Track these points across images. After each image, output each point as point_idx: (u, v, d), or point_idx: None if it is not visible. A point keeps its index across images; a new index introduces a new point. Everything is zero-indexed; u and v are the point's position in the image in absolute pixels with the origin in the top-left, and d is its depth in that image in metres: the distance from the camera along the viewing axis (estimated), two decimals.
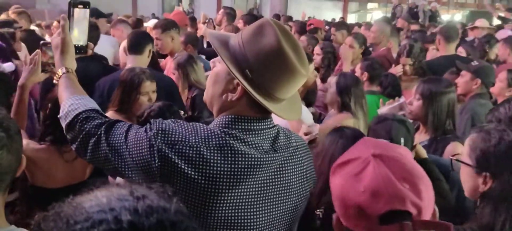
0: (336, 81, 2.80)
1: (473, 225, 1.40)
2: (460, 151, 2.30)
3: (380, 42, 4.72)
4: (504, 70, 3.26)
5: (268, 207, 1.23)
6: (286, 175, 1.26)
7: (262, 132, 1.23)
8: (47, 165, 2.13)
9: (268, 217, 1.23)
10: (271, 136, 1.25)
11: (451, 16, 12.78)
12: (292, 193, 1.27)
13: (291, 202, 1.28)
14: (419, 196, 0.94)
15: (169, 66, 3.65)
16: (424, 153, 1.99)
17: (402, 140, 1.84)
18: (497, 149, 1.37)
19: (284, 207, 1.26)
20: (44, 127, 2.18)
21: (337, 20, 9.43)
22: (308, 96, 3.72)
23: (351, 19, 11.78)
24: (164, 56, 3.97)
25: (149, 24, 5.18)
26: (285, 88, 1.21)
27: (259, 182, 1.20)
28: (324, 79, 3.97)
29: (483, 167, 1.40)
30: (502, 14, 8.18)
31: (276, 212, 1.24)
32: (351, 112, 2.69)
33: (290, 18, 7.03)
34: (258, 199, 1.21)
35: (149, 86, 2.50)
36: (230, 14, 5.23)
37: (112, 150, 1.20)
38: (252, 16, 5.37)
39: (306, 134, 2.37)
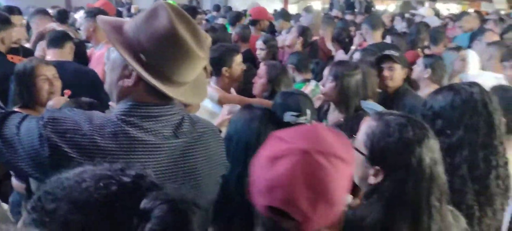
0: (266, 71, 2.83)
1: (352, 214, 1.33)
2: None
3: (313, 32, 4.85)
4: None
5: None
6: (190, 160, 1.25)
7: (163, 118, 1.21)
8: None
9: None
10: (174, 122, 1.24)
11: (386, 6, 13.29)
12: (199, 179, 1.27)
13: (199, 188, 1.27)
14: (313, 208, 0.92)
15: (94, 57, 3.55)
16: None
17: (308, 112, 1.97)
18: (395, 146, 1.28)
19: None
20: None
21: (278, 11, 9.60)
22: None
23: (293, 10, 11.92)
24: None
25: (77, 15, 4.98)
26: (183, 71, 1.19)
27: (160, 168, 1.19)
28: None
29: (377, 161, 1.31)
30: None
31: None
32: None
33: (229, 9, 6.99)
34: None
35: (46, 70, 2.41)
36: (58, 12, 5.09)
37: (4, 141, 1.15)
38: (188, 8, 5.28)
39: (229, 113, 2.45)
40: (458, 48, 4.03)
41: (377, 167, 1.31)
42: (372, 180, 1.32)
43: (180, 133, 1.24)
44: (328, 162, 0.94)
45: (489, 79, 3.14)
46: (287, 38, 4.32)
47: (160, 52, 1.15)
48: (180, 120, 1.25)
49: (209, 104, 2.88)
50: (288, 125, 1.87)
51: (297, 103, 1.98)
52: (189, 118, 1.29)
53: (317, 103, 2.68)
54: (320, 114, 2.79)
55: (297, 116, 1.94)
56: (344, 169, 0.98)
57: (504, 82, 3.45)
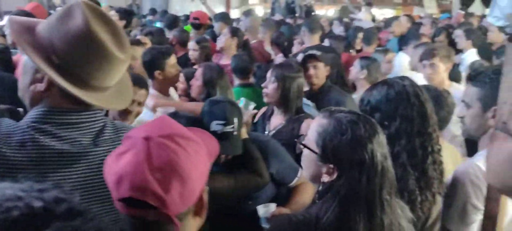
0: (202, 73, 2.77)
1: (308, 214, 1.34)
2: None
3: (250, 35, 4.86)
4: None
5: (92, 206, 1.13)
6: None
7: (83, 125, 1.13)
8: None
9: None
10: (95, 129, 1.16)
11: (325, 11, 13.64)
12: None
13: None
14: (166, 188, 0.89)
15: (21, 63, 3.32)
16: (244, 133, 2.07)
17: (236, 120, 1.92)
18: (348, 143, 1.29)
19: (112, 205, 1.18)
20: None
21: None
22: None
23: (235, 14, 11.92)
24: None
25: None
26: (101, 75, 1.11)
27: (78, 180, 1.10)
28: None
29: (330, 159, 1.31)
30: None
31: (103, 210, 1.15)
32: None
33: (165, 12, 6.85)
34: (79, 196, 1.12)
35: None
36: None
37: None
38: (125, 11, 5.10)
39: None
40: (385, 51, 4.20)
41: (331, 165, 1.31)
42: (326, 178, 1.32)
43: (101, 141, 1.16)
44: (172, 141, 0.93)
45: (419, 80, 3.29)
46: (220, 40, 4.28)
47: (74, 54, 1.07)
48: (102, 127, 1.18)
49: (145, 112, 2.80)
50: (215, 134, 1.81)
51: (224, 112, 1.92)
52: (112, 125, 1.22)
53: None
54: (264, 119, 2.77)
55: (224, 125, 1.89)
56: (195, 149, 0.97)
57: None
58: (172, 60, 2.99)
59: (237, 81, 3.47)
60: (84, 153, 1.12)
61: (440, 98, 2.26)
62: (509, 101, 1.52)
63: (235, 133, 1.93)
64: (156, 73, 2.88)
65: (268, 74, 2.64)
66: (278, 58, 4.77)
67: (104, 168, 0.97)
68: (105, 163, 0.97)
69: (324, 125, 1.34)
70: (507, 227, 1.63)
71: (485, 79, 1.84)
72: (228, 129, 1.90)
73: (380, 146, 1.31)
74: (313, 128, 1.38)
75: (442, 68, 3.24)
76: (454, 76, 3.58)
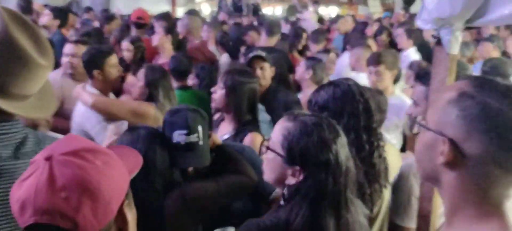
0: (144, 74, 2.70)
1: (276, 218, 1.34)
2: (258, 142, 2.40)
3: (192, 35, 4.76)
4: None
5: (14, 223, 1.06)
6: None
7: (2, 137, 1.07)
8: None
9: None
10: (15, 141, 1.10)
11: (272, 9, 13.74)
12: None
13: None
14: (75, 206, 0.84)
15: None
16: (218, 140, 1.96)
17: (200, 128, 1.79)
18: (315, 145, 1.31)
19: None
20: None
21: None
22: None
23: (180, 12, 11.72)
24: None
25: None
26: (22, 82, 1.06)
27: None
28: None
29: (296, 161, 1.33)
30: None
31: None
32: (158, 105, 2.63)
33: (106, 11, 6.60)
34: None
35: None
36: (21, 5, 4.66)
37: None
38: (60, 10, 4.85)
39: (115, 133, 2.21)
40: (328, 51, 4.26)
41: (297, 167, 1.33)
42: (291, 181, 1.34)
43: (22, 153, 1.10)
44: (77, 157, 0.87)
45: (360, 80, 3.34)
46: (154, 39, 4.18)
47: None
48: (23, 139, 1.11)
49: (82, 109, 2.70)
50: (178, 146, 1.74)
51: (185, 120, 1.78)
52: (34, 136, 1.16)
53: None
54: (213, 125, 2.63)
55: (187, 134, 1.77)
56: (101, 158, 0.91)
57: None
58: (113, 60, 2.87)
59: (175, 84, 3.32)
60: (3, 166, 1.06)
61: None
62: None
63: (200, 142, 1.78)
64: (95, 72, 2.77)
65: (219, 78, 2.53)
66: (223, 58, 4.72)
67: (10, 194, 0.90)
68: (11, 191, 0.89)
69: (289, 127, 1.37)
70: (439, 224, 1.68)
71: (427, 77, 1.91)
72: (193, 138, 1.77)
73: (343, 147, 1.36)
74: (277, 131, 1.40)
75: (388, 75, 3.27)
76: None
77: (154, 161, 1.66)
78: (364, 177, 1.70)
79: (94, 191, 0.86)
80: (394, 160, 2.08)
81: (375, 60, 3.30)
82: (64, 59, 3.09)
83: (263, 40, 4.62)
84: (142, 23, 5.32)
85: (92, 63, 2.78)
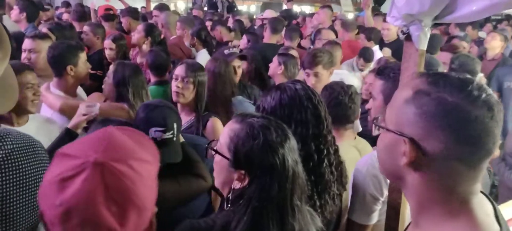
0: (113, 71, 2.62)
1: (212, 221, 1.29)
2: (220, 128, 2.47)
3: (169, 31, 4.75)
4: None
5: None
6: None
7: None
8: None
9: None
10: None
11: (247, 7, 13.76)
12: (8, 207, 1.08)
13: (10, 219, 1.08)
14: (122, 221, 0.82)
15: None
16: (180, 137, 1.98)
17: (175, 126, 1.82)
18: (259, 148, 1.26)
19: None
20: None
21: (140, 9, 9.19)
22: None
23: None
24: None
25: None
26: None
27: None
28: None
29: (242, 164, 1.29)
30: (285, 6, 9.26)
31: None
32: (129, 104, 2.56)
33: (81, 6, 6.47)
34: None
35: None
36: None
37: None
38: (28, 3, 4.70)
39: (84, 114, 2.23)
40: (289, 49, 4.31)
41: (242, 171, 1.28)
42: (237, 185, 1.29)
43: None
44: (129, 167, 0.84)
45: (334, 76, 3.40)
46: (134, 37, 4.14)
47: None
48: None
49: (48, 113, 2.59)
50: (154, 141, 1.72)
51: (163, 118, 1.81)
52: None
53: None
54: None
55: (163, 132, 1.78)
56: (149, 170, 0.90)
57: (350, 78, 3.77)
58: (84, 56, 2.80)
59: (153, 78, 3.33)
60: None
61: (346, 93, 2.33)
62: None
63: (175, 139, 1.82)
64: (68, 68, 2.66)
65: (182, 73, 2.60)
66: (201, 54, 4.69)
67: (41, 194, 0.86)
68: (42, 193, 0.85)
69: (236, 130, 1.31)
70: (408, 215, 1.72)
71: (389, 73, 1.94)
72: (168, 135, 1.80)
73: (291, 151, 1.30)
74: (225, 133, 1.35)
75: (326, 75, 3.20)
76: None
77: None
78: (314, 188, 1.62)
79: (140, 206, 0.85)
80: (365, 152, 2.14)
81: (312, 62, 3.18)
82: (22, 55, 2.97)
83: (267, 37, 4.74)
84: (111, 15, 5.27)
85: (65, 59, 2.66)
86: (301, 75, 3.44)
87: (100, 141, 0.88)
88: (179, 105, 2.63)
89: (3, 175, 1.07)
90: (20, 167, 1.11)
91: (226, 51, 3.38)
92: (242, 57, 3.46)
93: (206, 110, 2.66)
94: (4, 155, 1.08)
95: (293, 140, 1.34)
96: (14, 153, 1.11)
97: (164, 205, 1.75)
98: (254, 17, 8.64)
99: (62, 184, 0.81)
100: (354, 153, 2.19)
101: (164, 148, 1.76)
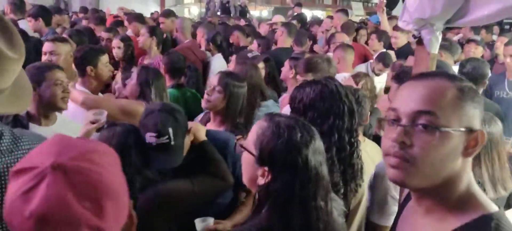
0: (138, 73, 2.73)
1: (257, 224, 1.30)
2: None
3: (183, 35, 4.83)
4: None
5: None
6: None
7: None
8: None
9: None
10: None
11: (259, 12, 13.82)
12: None
13: None
14: (100, 215, 0.81)
15: None
16: (202, 136, 1.97)
17: (171, 130, 1.79)
18: (283, 147, 1.28)
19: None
20: None
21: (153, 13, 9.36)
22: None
23: None
24: None
25: None
26: None
27: None
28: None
29: (265, 161, 1.30)
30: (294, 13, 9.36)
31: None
32: (148, 103, 2.63)
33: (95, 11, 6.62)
34: None
35: None
36: (15, 4, 4.65)
37: None
38: (40, 7, 4.82)
39: (93, 122, 2.27)
40: (304, 53, 4.34)
41: (266, 168, 1.30)
42: (261, 181, 1.31)
43: None
44: (89, 161, 0.83)
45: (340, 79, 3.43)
46: (140, 40, 4.23)
47: None
48: None
49: (71, 107, 2.69)
50: (150, 146, 1.77)
51: (155, 124, 1.79)
52: (10, 134, 1.13)
53: None
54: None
55: (157, 137, 1.77)
56: (109, 160, 0.88)
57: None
58: (105, 59, 2.95)
59: (169, 81, 3.34)
60: None
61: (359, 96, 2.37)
62: None
63: (172, 142, 1.79)
64: (88, 69, 2.82)
65: (215, 81, 2.48)
66: (216, 58, 4.76)
67: (6, 212, 0.83)
68: (8, 210, 0.82)
69: (263, 127, 1.34)
70: None
71: (405, 77, 1.99)
72: (163, 140, 1.78)
73: (315, 152, 1.31)
74: (253, 130, 1.37)
75: None
76: None
77: (129, 157, 1.68)
78: (341, 176, 1.71)
79: (113, 194, 0.83)
80: (375, 156, 2.14)
81: (306, 68, 3.01)
82: (43, 58, 3.07)
83: (282, 39, 4.84)
84: (120, 21, 5.40)
85: (86, 60, 2.83)
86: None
87: (50, 146, 0.86)
88: (211, 114, 2.55)
89: None
90: None
91: (249, 55, 3.42)
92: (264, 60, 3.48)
93: (240, 125, 2.48)
94: (20, 155, 1.11)
95: (319, 141, 1.35)
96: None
97: (179, 206, 1.80)
98: (255, 22, 8.73)
99: (25, 197, 0.78)
100: (363, 155, 2.24)
101: (161, 152, 1.78)
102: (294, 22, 6.96)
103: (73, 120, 2.55)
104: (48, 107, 2.26)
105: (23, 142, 1.13)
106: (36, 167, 0.80)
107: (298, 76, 3.07)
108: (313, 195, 1.27)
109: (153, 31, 4.22)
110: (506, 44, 4.00)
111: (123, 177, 0.91)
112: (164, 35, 4.48)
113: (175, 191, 1.80)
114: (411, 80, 1.00)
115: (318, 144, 1.34)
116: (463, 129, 0.91)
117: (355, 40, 5.81)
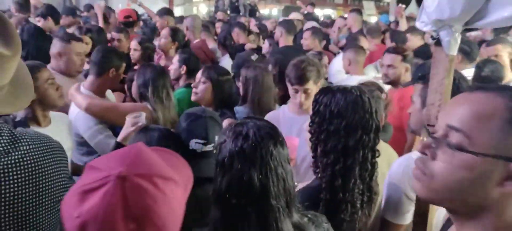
0: (137, 73, 2.74)
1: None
2: None
3: (193, 35, 4.80)
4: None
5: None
6: (9, 187, 1.05)
7: None
8: None
9: None
10: None
11: (269, 10, 13.79)
12: (24, 209, 1.07)
13: (26, 221, 1.07)
14: None
15: None
16: None
17: (217, 138, 1.71)
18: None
19: (13, 227, 1.05)
20: None
21: None
22: None
23: (178, 12, 11.75)
24: None
25: None
26: None
27: None
28: None
29: None
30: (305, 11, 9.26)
31: None
32: (150, 104, 2.64)
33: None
34: None
35: None
36: (19, 3, 4.67)
37: None
38: (47, 5, 4.83)
39: (132, 126, 2.21)
40: (320, 54, 4.29)
41: None
42: None
43: None
44: (152, 184, 0.80)
45: (354, 82, 3.38)
46: (160, 42, 4.20)
47: None
48: None
49: (75, 111, 2.68)
50: (193, 152, 1.70)
51: (205, 130, 1.73)
52: (9, 134, 1.10)
53: None
54: None
55: (204, 144, 1.71)
56: (174, 191, 0.85)
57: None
58: (124, 66, 2.98)
59: (183, 81, 3.40)
60: None
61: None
62: (436, 104, 1.61)
63: (215, 151, 1.73)
64: (111, 70, 2.82)
65: (199, 75, 2.75)
66: (224, 59, 4.73)
67: (63, 203, 0.83)
68: (65, 202, 0.83)
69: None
70: (437, 223, 1.71)
71: (428, 77, 1.93)
72: (209, 148, 1.73)
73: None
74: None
75: (315, 89, 2.81)
76: None
77: None
78: (360, 197, 1.63)
79: (160, 227, 0.81)
80: (392, 156, 2.13)
81: (302, 79, 2.65)
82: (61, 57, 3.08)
83: (283, 38, 4.75)
84: (131, 22, 5.39)
85: (111, 60, 2.83)
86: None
87: (126, 155, 0.85)
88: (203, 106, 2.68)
89: (19, 175, 1.07)
90: (36, 167, 1.11)
91: (253, 57, 3.40)
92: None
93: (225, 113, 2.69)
94: (19, 156, 1.09)
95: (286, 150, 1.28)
96: (30, 154, 1.11)
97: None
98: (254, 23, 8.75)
99: (83, 196, 0.79)
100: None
101: (204, 160, 1.72)
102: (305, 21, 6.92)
103: (75, 122, 2.61)
104: (44, 107, 2.23)
105: (22, 142, 1.10)
106: (105, 170, 0.80)
107: (295, 86, 2.72)
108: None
109: (175, 35, 4.18)
110: None
111: (179, 211, 0.88)
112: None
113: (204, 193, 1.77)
114: (465, 92, 0.90)
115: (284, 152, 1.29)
116: (496, 159, 0.80)
117: (382, 42, 5.77)
